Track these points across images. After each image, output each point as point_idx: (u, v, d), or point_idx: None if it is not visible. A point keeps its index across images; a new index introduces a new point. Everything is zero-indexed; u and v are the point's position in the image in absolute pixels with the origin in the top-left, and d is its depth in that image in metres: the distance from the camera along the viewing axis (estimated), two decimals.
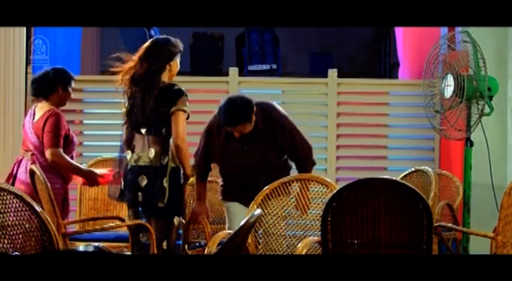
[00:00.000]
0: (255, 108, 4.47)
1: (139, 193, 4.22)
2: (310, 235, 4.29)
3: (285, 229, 4.38)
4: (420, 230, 3.47)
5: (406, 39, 6.87)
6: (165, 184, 4.14)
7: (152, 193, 4.16)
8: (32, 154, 4.76)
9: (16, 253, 3.11)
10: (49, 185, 4.30)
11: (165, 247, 4.19)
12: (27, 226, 3.17)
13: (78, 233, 4.78)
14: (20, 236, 3.15)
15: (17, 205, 3.17)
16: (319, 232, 3.59)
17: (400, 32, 6.96)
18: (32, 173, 4.49)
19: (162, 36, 4.42)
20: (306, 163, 4.64)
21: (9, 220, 3.14)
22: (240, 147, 4.54)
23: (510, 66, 6.11)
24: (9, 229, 3.13)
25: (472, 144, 5.50)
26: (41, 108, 4.82)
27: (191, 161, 4.49)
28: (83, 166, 4.94)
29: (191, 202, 5.04)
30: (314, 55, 10.89)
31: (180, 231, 4.25)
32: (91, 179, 4.76)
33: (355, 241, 3.54)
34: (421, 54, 6.29)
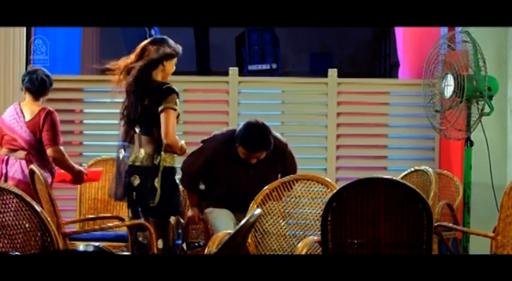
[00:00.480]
0: None
1: (134, 193, 4.23)
2: (310, 235, 4.29)
3: (285, 228, 4.38)
4: (420, 230, 3.47)
5: (406, 39, 6.87)
6: (156, 184, 4.13)
7: (144, 193, 4.16)
8: (28, 153, 4.80)
9: (16, 252, 3.11)
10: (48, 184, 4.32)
11: (160, 247, 4.18)
12: (27, 225, 3.17)
13: (78, 233, 4.80)
14: (20, 236, 3.15)
15: (17, 205, 3.17)
16: (319, 232, 3.58)
17: (400, 32, 6.95)
18: (31, 173, 4.50)
19: (160, 36, 4.42)
20: None
21: (9, 219, 3.14)
22: (245, 171, 4.70)
23: (510, 66, 6.11)
24: (9, 228, 3.13)
25: (472, 144, 5.49)
26: (30, 107, 4.87)
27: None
28: (77, 166, 5.02)
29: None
30: (314, 55, 10.89)
31: (180, 230, 4.24)
32: (79, 178, 4.96)
33: (355, 241, 3.54)
34: (421, 54, 6.29)
